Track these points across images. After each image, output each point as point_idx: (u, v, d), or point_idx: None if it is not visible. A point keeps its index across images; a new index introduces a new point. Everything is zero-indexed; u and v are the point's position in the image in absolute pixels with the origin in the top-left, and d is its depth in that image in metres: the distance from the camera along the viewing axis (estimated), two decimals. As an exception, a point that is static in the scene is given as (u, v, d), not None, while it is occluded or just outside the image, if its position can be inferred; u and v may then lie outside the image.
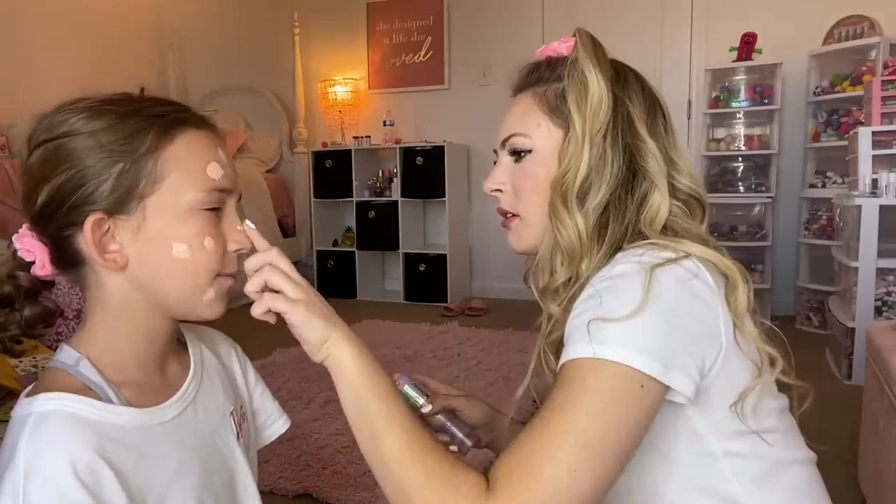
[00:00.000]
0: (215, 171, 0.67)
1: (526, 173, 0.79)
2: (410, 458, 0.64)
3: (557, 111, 0.77)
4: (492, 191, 0.83)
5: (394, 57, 4.81)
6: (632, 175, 0.75)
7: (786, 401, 0.75)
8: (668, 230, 0.73)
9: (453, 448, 0.86)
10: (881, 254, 2.56)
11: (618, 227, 0.74)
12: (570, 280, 0.75)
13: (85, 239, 0.63)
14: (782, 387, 0.74)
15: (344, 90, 4.86)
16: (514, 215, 0.81)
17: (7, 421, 0.63)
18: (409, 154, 4.43)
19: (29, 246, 0.67)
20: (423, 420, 0.85)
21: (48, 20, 4.29)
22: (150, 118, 0.64)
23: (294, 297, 0.67)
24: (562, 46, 0.80)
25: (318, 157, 4.70)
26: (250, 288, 0.68)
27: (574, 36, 0.79)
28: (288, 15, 4.72)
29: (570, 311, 0.69)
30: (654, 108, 0.79)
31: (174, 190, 0.64)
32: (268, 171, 4.91)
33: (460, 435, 0.87)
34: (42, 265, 0.67)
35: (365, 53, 4.90)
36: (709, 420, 0.67)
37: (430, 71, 4.70)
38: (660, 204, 0.74)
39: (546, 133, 0.77)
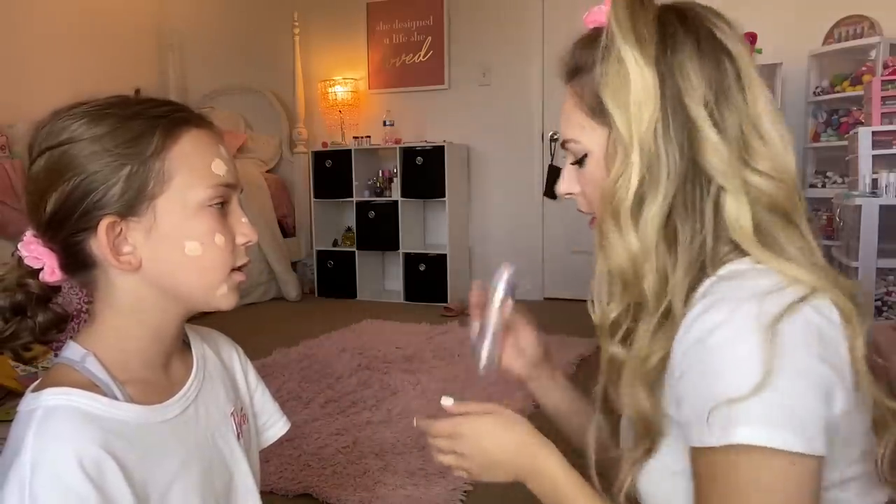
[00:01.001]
0: (220, 168, 0.68)
1: (588, 178, 0.71)
2: None
3: (598, 110, 0.66)
4: (564, 196, 0.76)
5: (394, 57, 4.81)
6: (698, 170, 0.62)
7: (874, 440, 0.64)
8: (763, 235, 0.60)
9: (475, 359, 0.84)
10: (881, 254, 2.56)
11: (692, 236, 0.62)
12: (628, 309, 0.65)
13: (99, 243, 0.63)
14: None
15: (344, 90, 4.86)
16: (594, 216, 0.73)
17: (7, 421, 0.63)
18: (409, 154, 4.43)
19: (36, 253, 0.67)
20: (479, 311, 0.85)
21: (48, 20, 4.29)
22: (153, 119, 0.65)
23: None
24: (603, 13, 0.66)
25: (318, 157, 4.70)
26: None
27: None
28: (288, 15, 4.72)
29: (655, 343, 0.61)
30: (720, 63, 0.62)
31: (182, 188, 0.65)
32: (268, 171, 4.91)
33: (482, 353, 0.84)
34: (51, 271, 0.67)
35: (365, 53, 4.89)
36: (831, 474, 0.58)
37: (430, 71, 4.70)
38: (736, 210, 0.60)
39: (593, 135, 0.68)
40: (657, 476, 0.65)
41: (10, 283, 0.67)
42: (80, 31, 4.48)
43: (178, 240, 0.65)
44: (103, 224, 0.63)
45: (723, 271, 0.60)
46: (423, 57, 4.72)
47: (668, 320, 0.62)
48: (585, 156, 0.70)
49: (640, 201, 0.62)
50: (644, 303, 0.63)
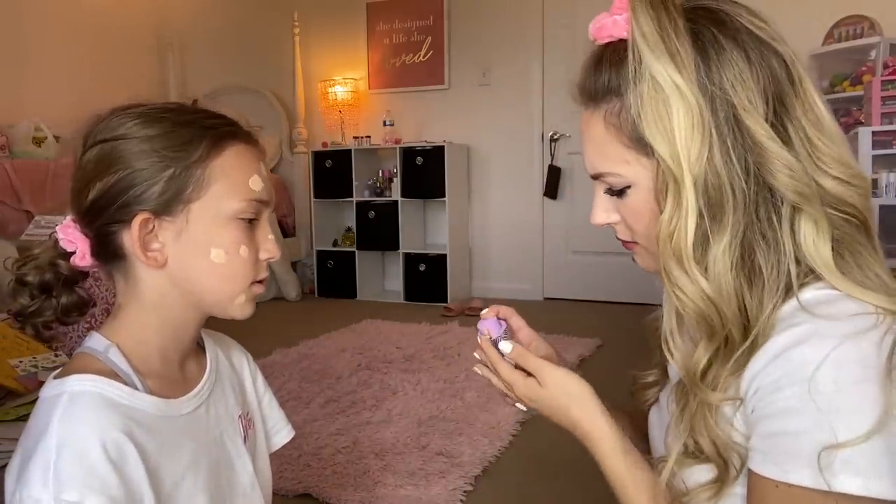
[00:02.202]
0: (257, 184, 0.71)
1: (632, 209, 0.64)
2: None
3: (642, 141, 0.59)
4: (602, 226, 0.70)
5: (394, 57, 4.81)
6: (768, 193, 0.57)
7: None
8: (842, 255, 0.56)
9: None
10: (881, 254, 2.56)
11: (775, 268, 0.57)
12: (717, 353, 0.59)
13: (131, 236, 0.66)
14: None
15: (344, 90, 4.86)
16: (635, 243, 0.68)
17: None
18: (409, 154, 4.43)
19: (72, 237, 0.70)
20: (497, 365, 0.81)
21: (48, 20, 4.29)
22: (203, 129, 0.69)
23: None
24: (617, 25, 0.59)
25: (318, 157, 4.70)
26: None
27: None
28: (288, 15, 4.73)
29: (732, 372, 0.58)
30: (773, 69, 0.56)
31: (218, 198, 0.68)
32: (268, 171, 4.91)
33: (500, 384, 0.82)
34: (83, 256, 0.70)
35: (365, 53, 4.90)
36: None
37: (430, 71, 4.70)
38: (814, 233, 0.55)
39: (638, 168, 0.61)
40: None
41: (43, 261, 0.71)
42: (80, 31, 4.48)
43: (206, 245, 0.68)
44: (138, 219, 0.66)
45: (804, 297, 0.56)
46: (423, 57, 4.72)
47: (747, 351, 0.58)
48: (628, 187, 0.63)
49: (703, 240, 0.57)
50: (731, 342, 0.58)
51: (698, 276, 0.57)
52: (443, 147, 4.34)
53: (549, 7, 4.34)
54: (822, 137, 0.58)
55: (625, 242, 0.70)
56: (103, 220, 0.67)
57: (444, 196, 4.36)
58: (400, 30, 4.78)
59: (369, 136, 4.67)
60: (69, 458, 0.58)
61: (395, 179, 4.54)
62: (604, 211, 0.68)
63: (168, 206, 0.67)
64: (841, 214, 0.57)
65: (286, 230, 4.86)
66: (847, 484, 0.50)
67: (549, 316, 3.76)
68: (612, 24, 0.59)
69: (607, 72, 0.60)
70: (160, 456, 0.65)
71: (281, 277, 4.54)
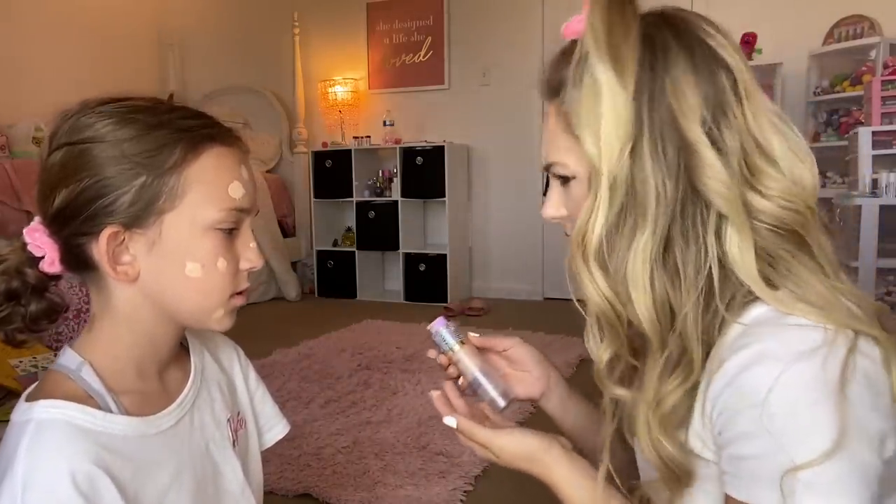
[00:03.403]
0: (237, 191, 0.66)
1: (575, 201, 0.65)
2: None
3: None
4: (550, 219, 0.70)
5: (394, 57, 4.81)
6: (697, 196, 0.56)
7: None
8: (773, 267, 0.56)
9: (488, 407, 0.81)
10: (881, 254, 2.56)
11: (696, 270, 0.57)
12: (624, 348, 0.61)
13: (99, 250, 0.62)
14: None
15: (344, 90, 4.86)
16: None
17: (7, 421, 0.63)
18: (409, 154, 4.43)
19: (40, 242, 0.65)
20: (455, 368, 0.82)
21: (48, 20, 4.29)
22: (177, 132, 0.63)
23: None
24: (581, 25, 0.60)
25: (318, 157, 4.70)
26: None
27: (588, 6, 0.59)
28: (288, 15, 4.72)
29: (667, 385, 0.58)
30: (717, 77, 0.57)
31: (193, 208, 0.63)
32: (268, 171, 4.91)
33: (494, 393, 0.81)
34: (51, 262, 0.66)
35: (365, 53, 4.89)
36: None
37: (430, 71, 4.70)
38: (738, 243, 0.55)
39: (580, 157, 0.61)
40: None
41: (10, 267, 0.66)
42: (80, 31, 4.48)
43: (180, 258, 0.64)
44: (106, 232, 0.61)
45: (749, 318, 0.56)
46: (423, 57, 4.72)
47: (684, 363, 0.58)
48: (573, 178, 0.64)
49: (612, 237, 0.57)
50: (648, 342, 0.59)
51: (597, 274, 0.58)
52: (443, 147, 4.34)
53: (548, 7, 4.34)
54: (762, 153, 0.57)
55: None
56: (70, 231, 0.63)
57: (444, 196, 4.36)
58: (400, 30, 4.78)
59: (369, 136, 4.67)
60: (37, 493, 0.55)
61: (395, 179, 4.54)
62: (555, 205, 0.69)
63: (139, 217, 0.62)
64: (773, 228, 0.56)
65: (286, 230, 4.86)
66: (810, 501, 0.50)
67: (549, 316, 3.76)
68: (577, 21, 0.61)
69: (565, 66, 0.61)
70: (138, 480, 0.62)
71: (281, 277, 4.54)
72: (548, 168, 0.67)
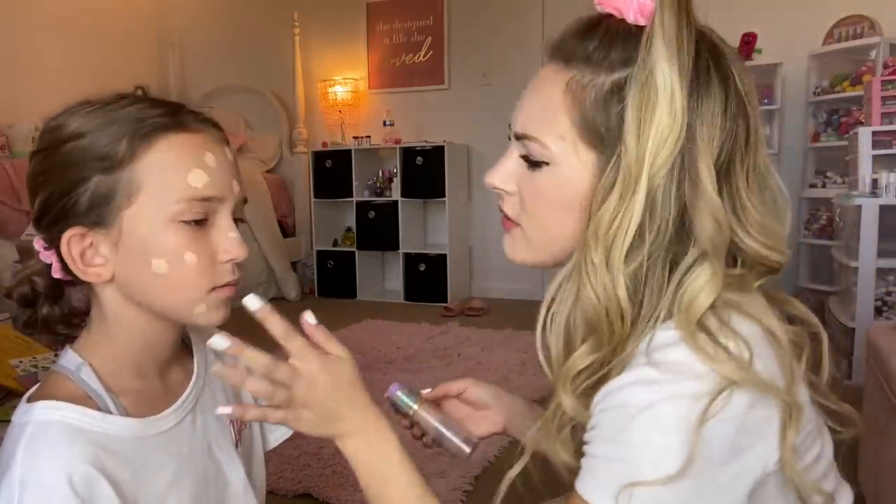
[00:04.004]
0: (199, 179, 0.62)
1: (538, 188, 0.61)
2: None
3: (591, 127, 0.56)
4: (493, 188, 0.66)
5: (394, 57, 4.81)
6: (680, 230, 0.55)
7: (830, 448, 0.62)
8: (714, 307, 0.54)
9: (456, 452, 0.82)
10: (881, 254, 2.56)
11: (651, 303, 0.56)
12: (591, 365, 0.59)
13: (64, 253, 0.62)
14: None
15: (344, 90, 4.86)
16: (516, 223, 0.66)
17: (7, 421, 0.63)
18: (409, 154, 4.43)
19: (42, 250, 0.67)
20: (419, 427, 0.83)
21: (48, 20, 4.29)
22: (126, 125, 0.61)
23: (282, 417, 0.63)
24: (632, 4, 0.55)
25: (318, 157, 4.70)
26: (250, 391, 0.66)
27: None
28: (288, 15, 4.72)
29: (590, 400, 0.57)
30: (737, 126, 0.55)
31: (151, 201, 0.61)
32: (268, 171, 4.91)
33: (457, 442, 0.82)
34: (57, 269, 0.66)
35: (365, 53, 4.89)
36: None
37: (430, 71, 4.70)
38: (704, 286, 0.54)
39: (570, 149, 0.58)
40: None
41: (24, 276, 0.67)
42: (80, 31, 4.48)
43: (145, 256, 0.61)
44: (66, 235, 0.61)
45: (657, 339, 0.55)
46: (423, 57, 4.72)
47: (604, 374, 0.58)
48: (546, 163, 0.60)
49: (638, 243, 0.55)
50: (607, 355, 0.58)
51: (618, 273, 0.55)
52: (443, 147, 4.34)
53: (548, 7, 4.34)
54: (756, 204, 0.57)
55: (505, 219, 0.66)
56: (49, 236, 0.63)
57: (444, 196, 4.36)
58: (400, 30, 4.78)
59: (369, 136, 4.67)
60: (34, 494, 0.55)
61: (395, 179, 4.54)
62: (505, 177, 0.64)
63: (100, 216, 0.61)
64: (739, 273, 0.57)
65: (286, 230, 4.86)
66: None
67: (549, 316, 3.76)
68: (624, 2, 0.56)
69: (597, 41, 0.56)
70: (137, 481, 0.61)
71: (281, 277, 4.54)
72: (521, 138, 0.61)
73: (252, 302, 0.62)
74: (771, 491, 0.55)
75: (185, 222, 0.62)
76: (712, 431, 0.51)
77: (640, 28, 0.55)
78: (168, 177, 0.61)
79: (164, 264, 0.62)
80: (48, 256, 0.66)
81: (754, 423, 0.53)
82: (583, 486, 0.56)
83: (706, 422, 0.50)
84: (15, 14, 4.10)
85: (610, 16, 0.58)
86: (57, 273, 0.66)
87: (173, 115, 0.63)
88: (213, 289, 0.64)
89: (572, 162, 0.58)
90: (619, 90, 0.55)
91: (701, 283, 0.54)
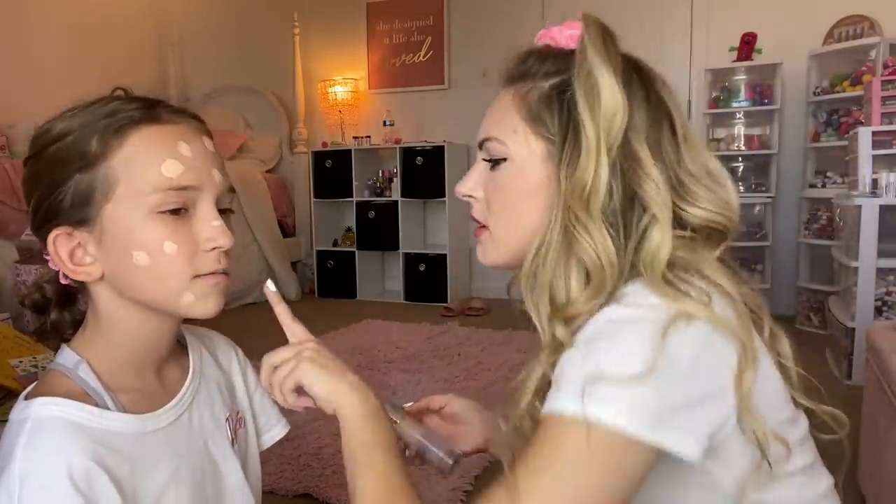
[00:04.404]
0: (173, 169, 0.62)
1: (498, 184, 0.70)
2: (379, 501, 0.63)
3: (538, 119, 0.67)
4: (463, 196, 0.74)
5: (394, 57, 4.81)
6: (630, 203, 0.64)
7: (805, 424, 0.67)
8: (674, 267, 0.62)
9: (439, 465, 0.82)
10: (881, 254, 2.56)
11: (622, 248, 0.64)
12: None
13: (51, 254, 0.63)
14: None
15: (344, 90, 4.86)
16: (484, 226, 0.73)
17: (7, 421, 0.63)
18: (409, 154, 4.43)
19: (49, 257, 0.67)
20: (402, 441, 0.83)
21: (49, 20, 4.29)
22: (99, 121, 0.62)
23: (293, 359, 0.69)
24: (563, 35, 0.70)
25: (318, 157, 4.70)
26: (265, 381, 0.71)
27: (580, 22, 0.67)
28: (288, 15, 4.73)
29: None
30: (660, 117, 0.66)
31: (127, 194, 0.62)
32: (268, 171, 4.91)
33: (440, 455, 0.82)
34: (62, 275, 0.67)
35: (365, 53, 4.90)
36: (731, 474, 0.60)
37: (430, 71, 4.70)
38: (660, 242, 0.62)
39: (523, 142, 0.68)
40: None
41: (36, 283, 0.69)
42: (80, 31, 4.48)
43: (126, 249, 0.62)
44: (51, 236, 0.63)
45: (623, 290, 0.61)
46: (423, 57, 4.72)
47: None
48: (503, 160, 0.69)
49: (605, 205, 0.63)
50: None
51: (601, 226, 0.62)
52: (443, 147, 4.34)
53: (548, 7, 4.34)
54: (692, 177, 0.65)
55: (477, 228, 0.75)
56: (41, 239, 0.64)
57: (444, 196, 4.36)
58: (400, 30, 4.78)
59: (369, 136, 4.67)
60: (34, 490, 0.55)
61: (395, 179, 4.54)
62: (474, 183, 0.73)
63: (83, 215, 0.62)
64: (691, 236, 0.64)
65: (286, 230, 4.86)
66: (598, 414, 0.54)
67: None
68: (558, 33, 0.70)
69: (533, 60, 0.70)
70: (135, 477, 0.62)
71: (281, 277, 4.54)
72: (483, 143, 0.71)
73: (270, 285, 0.73)
74: (734, 446, 0.59)
75: (163, 213, 0.62)
76: (674, 349, 0.55)
77: (572, 50, 0.67)
78: (142, 169, 0.62)
79: (145, 256, 0.62)
80: (54, 264, 0.67)
81: (711, 359, 0.57)
82: (549, 402, 0.58)
83: (668, 338, 0.55)
84: (15, 14, 4.10)
85: (549, 46, 0.71)
86: (63, 279, 0.67)
87: (147, 109, 0.64)
88: (198, 276, 0.65)
89: (525, 153, 0.68)
90: (556, 90, 0.67)
91: (657, 241, 0.62)
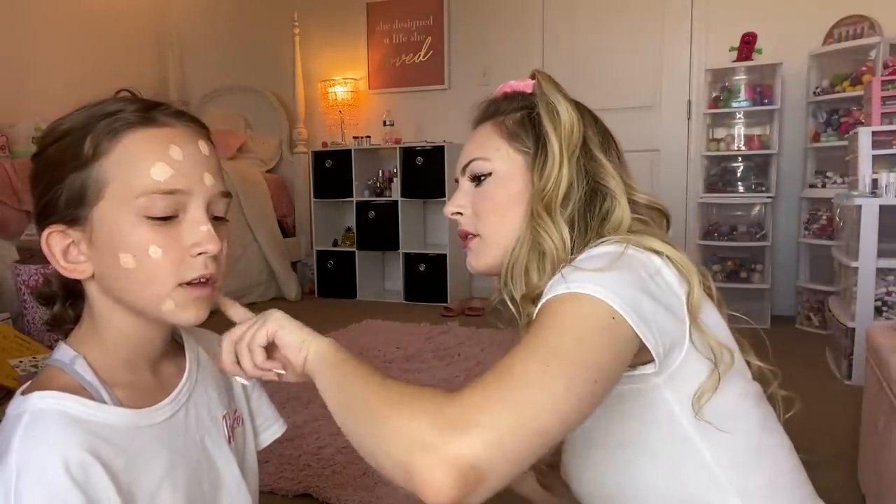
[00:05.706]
0: (162, 173, 0.62)
1: (486, 195, 0.83)
2: (385, 398, 0.64)
3: (516, 137, 0.83)
4: (452, 214, 0.87)
5: (394, 57, 4.81)
6: (593, 194, 0.80)
7: (759, 387, 0.79)
8: (632, 234, 0.77)
9: None
10: (881, 254, 2.56)
11: (580, 242, 0.78)
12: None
13: (44, 250, 0.65)
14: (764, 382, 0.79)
15: (344, 90, 4.86)
16: (474, 235, 0.85)
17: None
18: (409, 154, 4.43)
19: None
20: None
21: (49, 20, 4.29)
22: (94, 122, 0.63)
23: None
24: (521, 84, 0.88)
25: (318, 157, 4.70)
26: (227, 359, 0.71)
27: (532, 78, 0.86)
28: (288, 15, 4.72)
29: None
30: (608, 139, 0.85)
31: (117, 196, 0.62)
32: (268, 171, 4.91)
33: None
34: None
35: (365, 53, 4.89)
36: (683, 404, 0.70)
37: (430, 71, 4.70)
38: (621, 216, 0.79)
39: (505, 156, 0.83)
40: None
41: (48, 276, 0.71)
42: (80, 31, 4.49)
43: (113, 250, 0.63)
44: (45, 233, 0.64)
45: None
46: (423, 57, 4.72)
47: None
48: (489, 174, 0.83)
49: (566, 199, 0.78)
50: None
51: (561, 223, 0.77)
52: (443, 147, 4.34)
53: (548, 7, 4.34)
54: (632, 180, 0.84)
55: (465, 239, 0.87)
56: (40, 235, 0.66)
57: (444, 196, 4.36)
58: (400, 30, 4.78)
59: (369, 136, 4.67)
60: (30, 481, 0.56)
61: (395, 179, 4.54)
62: (460, 203, 0.86)
63: (76, 214, 0.63)
64: (640, 216, 0.81)
65: (286, 230, 4.86)
66: (583, 287, 0.64)
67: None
68: (517, 84, 0.89)
69: (501, 100, 0.88)
70: (131, 471, 0.62)
71: (281, 277, 4.54)
72: (466, 167, 0.86)
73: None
74: (687, 371, 0.70)
75: (151, 217, 0.63)
76: (635, 261, 0.70)
77: (531, 93, 0.85)
78: (131, 171, 0.62)
79: (131, 258, 0.63)
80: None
81: (665, 280, 0.71)
82: (542, 301, 0.68)
83: (630, 252, 0.70)
84: (15, 14, 4.10)
85: (509, 92, 0.89)
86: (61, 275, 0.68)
87: (144, 112, 0.64)
88: (182, 285, 0.65)
89: (508, 165, 0.83)
90: (527, 114, 0.83)
91: (619, 215, 0.79)
